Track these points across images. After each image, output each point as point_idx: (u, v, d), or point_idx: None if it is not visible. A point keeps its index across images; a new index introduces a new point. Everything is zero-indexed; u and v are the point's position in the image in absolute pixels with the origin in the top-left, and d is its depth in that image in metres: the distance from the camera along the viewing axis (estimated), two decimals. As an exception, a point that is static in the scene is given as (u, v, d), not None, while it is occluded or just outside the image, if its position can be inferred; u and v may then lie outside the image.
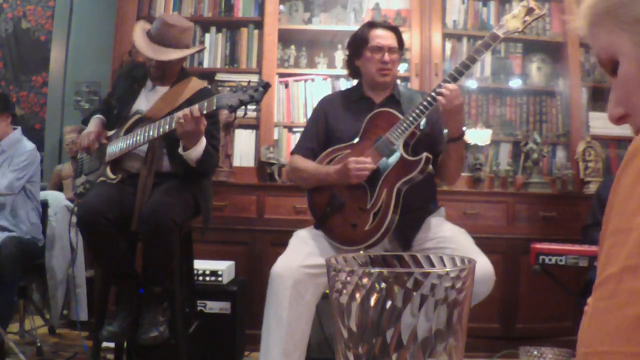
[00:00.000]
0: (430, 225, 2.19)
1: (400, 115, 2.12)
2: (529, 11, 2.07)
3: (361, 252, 2.04)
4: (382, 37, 2.22)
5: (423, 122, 2.13)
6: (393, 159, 2.09)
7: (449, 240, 2.13)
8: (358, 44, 2.25)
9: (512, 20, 2.07)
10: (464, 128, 2.06)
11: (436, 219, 2.23)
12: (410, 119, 2.08)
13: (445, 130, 2.18)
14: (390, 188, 2.07)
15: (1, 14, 4.37)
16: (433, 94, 2.07)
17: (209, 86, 2.57)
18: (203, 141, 2.24)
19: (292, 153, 2.32)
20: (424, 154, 2.07)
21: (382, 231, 2.06)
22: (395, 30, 2.26)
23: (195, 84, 2.45)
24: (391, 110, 2.16)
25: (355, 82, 2.39)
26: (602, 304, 0.54)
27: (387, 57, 2.19)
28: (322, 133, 2.28)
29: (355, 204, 2.12)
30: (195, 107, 2.13)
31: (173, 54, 2.33)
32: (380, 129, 2.14)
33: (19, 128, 3.18)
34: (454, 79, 2.06)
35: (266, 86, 2.13)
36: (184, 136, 2.17)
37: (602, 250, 0.57)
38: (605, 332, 0.53)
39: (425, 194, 2.24)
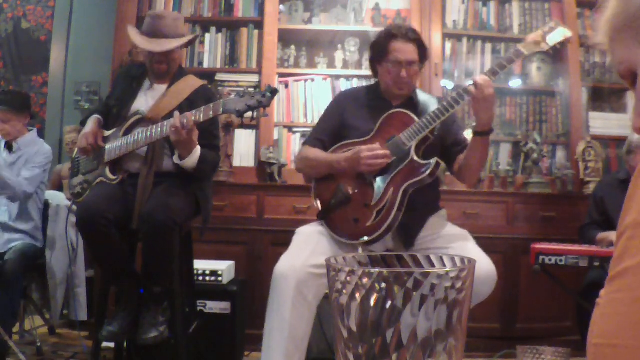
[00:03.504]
0: (432, 225, 2.20)
1: (415, 118, 2.13)
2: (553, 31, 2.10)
3: (361, 251, 2.04)
4: (401, 51, 2.15)
5: (437, 127, 2.13)
6: (403, 159, 2.10)
7: (450, 240, 2.13)
8: (378, 52, 2.22)
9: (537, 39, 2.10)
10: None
11: (438, 219, 2.23)
12: (425, 122, 2.09)
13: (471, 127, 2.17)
14: (397, 188, 2.08)
15: (1, 14, 4.37)
16: (449, 99, 2.08)
17: (208, 84, 2.57)
18: (197, 150, 2.24)
19: (304, 144, 2.34)
20: (435, 159, 2.08)
21: (383, 229, 2.06)
22: (417, 41, 2.19)
23: (194, 82, 2.46)
24: (407, 112, 2.16)
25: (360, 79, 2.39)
26: (620, 295, 0.53)
27: (404, 73, 2.16)
28: (336, 128, 2.28)
29: (360, 199, 2.12)
30: (191, 118, 2.14)
31: (174, 43, 2.35)
32: (394, 128, 2.14)
33: (35, 129, 3.18)
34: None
35: (274, 92, 2.13)
36: (177, 144, 2.20)
37: (619, 242, 0.56)
38: (622, 325, 0.51)
39: (430, 195, 2.24)
